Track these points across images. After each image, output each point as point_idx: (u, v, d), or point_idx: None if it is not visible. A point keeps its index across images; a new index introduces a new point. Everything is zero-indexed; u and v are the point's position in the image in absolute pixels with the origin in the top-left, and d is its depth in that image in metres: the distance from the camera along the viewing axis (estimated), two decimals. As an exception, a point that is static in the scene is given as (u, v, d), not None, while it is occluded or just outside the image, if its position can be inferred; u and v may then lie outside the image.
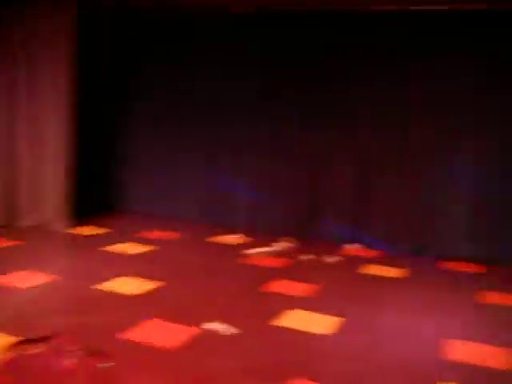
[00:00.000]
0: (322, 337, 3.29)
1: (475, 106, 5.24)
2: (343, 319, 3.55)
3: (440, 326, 3.59)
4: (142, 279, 4.11)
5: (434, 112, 5.37)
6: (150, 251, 5.00)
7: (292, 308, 3.69)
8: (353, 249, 5.55)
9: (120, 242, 5.19)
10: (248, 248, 5.22)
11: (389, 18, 5.37)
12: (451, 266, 5.12)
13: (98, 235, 5.47)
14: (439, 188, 5.42)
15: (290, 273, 4.59)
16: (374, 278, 4.64)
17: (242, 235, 5.71)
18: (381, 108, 5.53)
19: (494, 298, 4.22)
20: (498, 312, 3.94)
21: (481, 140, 5.24)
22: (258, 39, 5.89)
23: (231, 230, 5.82)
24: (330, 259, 5.08)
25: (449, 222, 5.40)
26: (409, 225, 5.53)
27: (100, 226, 5.80)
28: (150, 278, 4.15)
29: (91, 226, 5.73)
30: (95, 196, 6.43)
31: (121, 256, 4.79)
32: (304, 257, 5.09)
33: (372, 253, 5.43)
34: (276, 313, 3.59)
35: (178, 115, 6.32)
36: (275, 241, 5.48)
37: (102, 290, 3.82)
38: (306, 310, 3.70)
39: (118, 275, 4.16)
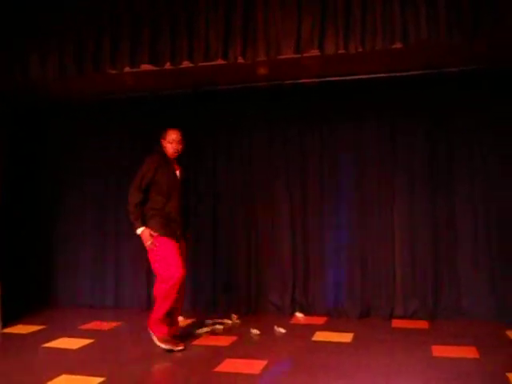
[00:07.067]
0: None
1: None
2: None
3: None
4: (85, 376, 3.87)
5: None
6: (91, 344, 4.77)
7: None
8: (298, 318, 5.54)
9: (59, 338, 4.91)
10: (195, 328, 5.09)
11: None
12: (397, 324, 5.21)
13: (33, 332, 5.16)
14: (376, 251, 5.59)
15: (241, 350, 4.49)
16: (325, 344, 4.61)
17: (181, 317, 5.31)
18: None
19: (445, 351, 4.30)
20: (451, 365, 3.99)
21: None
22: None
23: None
24: (277, 331, 5.04)
25: (389, 282, 5.53)
26: (353, 288, 5.59)
27: (34, 322, 5.49)
28: (93, 374, 3.90)
29: (24, 323, 5.42)
30: (26, 290, 6.12)
31: (61, 352, 4.53)
32: (251, 331, 5.01)
33: (318, 320, 5.43)
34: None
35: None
36: (220, 318, 5.39)
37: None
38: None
39: (60, 373, 3.90)
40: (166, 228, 4.44)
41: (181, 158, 4.72)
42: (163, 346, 4.40)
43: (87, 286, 6.28)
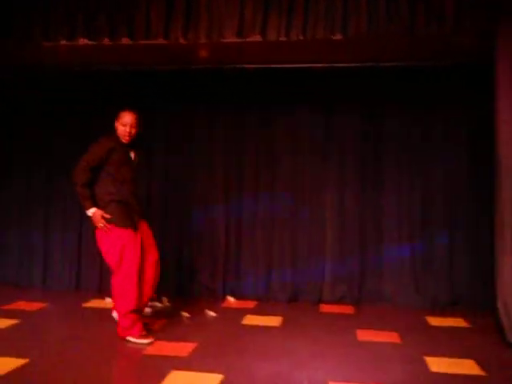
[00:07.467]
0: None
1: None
2: (223, 375, 3.52)
3: (325, 369, 3.69)
4: (8, 358, 3.75)
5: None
6: (16, 325, 4.63)
7: (174, 369, 3.60)
8: (229, 302, 5.60)
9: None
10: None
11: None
12: (325, 309, 5.36)
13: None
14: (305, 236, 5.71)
15: (171, 332, 4.48)
16: (254, 328, 4.68)
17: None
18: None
19: (368, 335, 4.46)
20: (373, 349, 4.15)
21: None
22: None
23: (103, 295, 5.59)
24: (208, 314, 5.07)
25: (319, 268, 5.67)
26: (283, 273, 5.69)
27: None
28: (17, 355, 3.79)
29: None
30: None
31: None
32: (182, 314, 5.02)
33: (248, 303, 5.50)
34: (158, 376, 3.48)
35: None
36: (150, 301, 5.35)
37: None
38: (188, 370, 3.60)
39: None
40: (125, 218, 4.21)
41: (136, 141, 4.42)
42: (143, 341, 4.16)
43: (13, 264, 6.07)
